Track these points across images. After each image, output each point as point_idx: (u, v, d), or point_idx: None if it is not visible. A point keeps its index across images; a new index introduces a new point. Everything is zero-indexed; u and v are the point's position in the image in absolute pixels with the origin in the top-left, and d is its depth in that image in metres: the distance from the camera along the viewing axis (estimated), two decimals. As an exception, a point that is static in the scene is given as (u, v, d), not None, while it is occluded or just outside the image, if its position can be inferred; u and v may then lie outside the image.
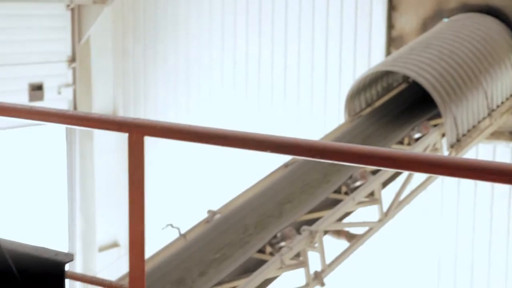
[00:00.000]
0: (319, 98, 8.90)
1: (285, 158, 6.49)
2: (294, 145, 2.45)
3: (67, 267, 1.83)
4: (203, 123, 2.96)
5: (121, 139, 9.19)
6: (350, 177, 6.13)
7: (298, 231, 5.49)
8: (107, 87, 9.89)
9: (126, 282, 3.03)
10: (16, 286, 1.85)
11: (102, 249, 9.98)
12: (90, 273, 8.91)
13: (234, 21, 9.33)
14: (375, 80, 7.54)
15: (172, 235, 5.77)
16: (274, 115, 9.14)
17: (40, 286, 1.84)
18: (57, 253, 1.85)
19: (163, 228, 5.76)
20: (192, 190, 9.60)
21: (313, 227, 5.42)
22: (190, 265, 5.40)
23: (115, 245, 10.20)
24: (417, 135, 6.82)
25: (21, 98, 8.85)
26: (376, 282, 8.48)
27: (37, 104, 8.27)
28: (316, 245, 5.44)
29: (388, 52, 8.30)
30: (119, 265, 9.18)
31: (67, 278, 1.87)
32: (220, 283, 5.38)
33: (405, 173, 6.09)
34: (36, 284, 1.85)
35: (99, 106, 9.71)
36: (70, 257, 1.84)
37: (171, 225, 5.75)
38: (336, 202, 5.92)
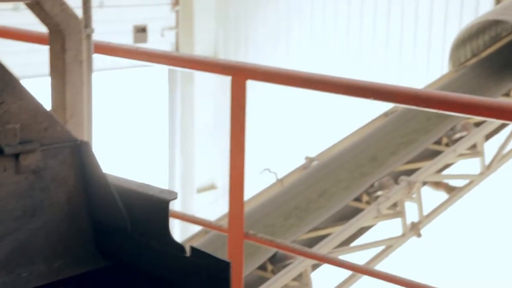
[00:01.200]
0: (422, 47, 8.68)
1: (386, 107, 6.40)
2: (398, 93, 2.41)
3: (170, 205, 1.86)
4: (302, 69, 2.95)
5: (221, 82, 9.27)
6: (452, 128, 5.99)
7: (396, 181, 5.44)
8: (209, 31, 9.96)
9: (224, 222, 3.09)
10: (122, 221, 1.91)
11: (200, 190, 10.18)
12: (189, 213, 9.11)
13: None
14: (483, 30, 7.28)
15: (269, 180, 5.83)
16: (375, 64, 8.99)
17: (145, 221, 1.89)
18: (162, 190, 1.88)
19: (260, 173, 5.83)
20: (290, 136, 9.63)
21: (412, 178, 5.36)
22: (285, 211, 5.45)
23: (212, 187, 10.38)
24: (524, 88, 6.58)
25: (126, 40, 9.03)
26: (474, 235, 8.34)
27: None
28: (414, 195, 5.37)
29: (498, 1, 7.97)
30: (216, 207, 9.37)
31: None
32: (315, 229, 5.41)
33: (511, 126, 5.90)
34: (140, 219, 1.90)
35: (201, 49, 9.80)
36: (174, 195, 1.87)
37: (269, 170, 5.81)
38: (436, 153, 5.81)
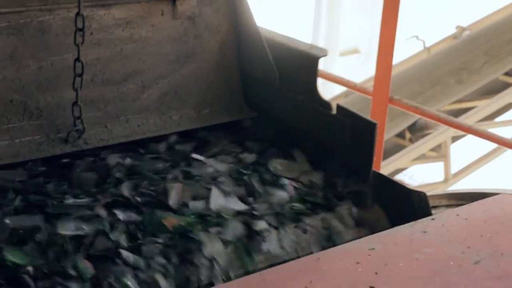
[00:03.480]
0: None
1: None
2: None
3: (320, 62, 1.85)
4: None
5: None
6: None
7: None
8: None
9: (369, 86, 3.06)
10: (270, 73, 1.92)
11: (342, 54, 10.08)
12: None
13: None
14: None
15: (416, 47, 5.68)
16: None
17: (293, 76, 1.90)
18: (312, 46, 1.87)
19: (408, 39, 5.67)
20: (442, 2, 9.24)
21: None
22: (431, 80, 5.32)
23: (355, 51, 10.25)
24: None
25: None
26: None
27: None
28: None
29: None
30: (357, 72, 9.27)
31: (315, 74, 1.89)
32: (459, 101, 5.28)
33: None
34: (289, 73, 1.90)
35: None
36: (324, 52, 1.85)
37: (417, 37, 5.64)
38: None
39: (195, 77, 1.93)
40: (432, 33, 5.97)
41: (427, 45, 5.62)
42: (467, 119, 4.85)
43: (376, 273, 1.20)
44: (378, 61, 2.75)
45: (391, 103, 2.70)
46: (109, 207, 1.51)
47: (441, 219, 1.39)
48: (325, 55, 1.83)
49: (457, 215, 1.41)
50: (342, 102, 5.22)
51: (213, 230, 1.49)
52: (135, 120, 1.82)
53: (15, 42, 1.64)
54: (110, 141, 1.77)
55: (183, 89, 1.91)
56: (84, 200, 1.53)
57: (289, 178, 1.71)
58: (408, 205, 1.61)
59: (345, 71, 9.62)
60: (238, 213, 1.56)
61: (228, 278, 1.41)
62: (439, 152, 5.09)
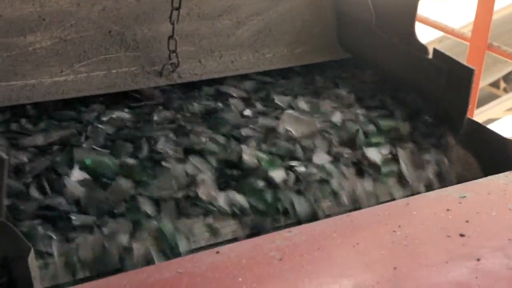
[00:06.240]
0: None
1: None
2: None
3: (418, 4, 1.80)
4: None
5: None
6: None
7: None
8: None
9: (467, 30, 2.96)
10: (367, 14, 1.88)
11: (438, -2, 9.80)
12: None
13: None
14: None
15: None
16: None
17: (390, 17, 1.85)
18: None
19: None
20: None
21: None
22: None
23: (451, -4, 9.94)
24: None
25: None
26: None
27: None
28: None
29: None
30: (451, 17, 9.00)
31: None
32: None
33: None
34: (385, 15, 1.86)
35: None
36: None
37: (519, -17, 5.41)
38: None
39: (289, 15, 1.91)
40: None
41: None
42: None
43: (467, 221, 1.18)
44: (478, 6, 2.65)
45: (490, 49, 2.61)
46: None
47: (538, 171, 1.35)
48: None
49: (555, 167, 1.37)
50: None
51: None
52: (228, 56, 1.83)
53: (115, -27, 1.66)
54: (204, 76, 1.78)
55: (277, 27, 1.90)
56: None
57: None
58: (503, 155, 1.56)
59: (439, 17, 9.39)
60: None
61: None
62: (535, 104, 4.93)
